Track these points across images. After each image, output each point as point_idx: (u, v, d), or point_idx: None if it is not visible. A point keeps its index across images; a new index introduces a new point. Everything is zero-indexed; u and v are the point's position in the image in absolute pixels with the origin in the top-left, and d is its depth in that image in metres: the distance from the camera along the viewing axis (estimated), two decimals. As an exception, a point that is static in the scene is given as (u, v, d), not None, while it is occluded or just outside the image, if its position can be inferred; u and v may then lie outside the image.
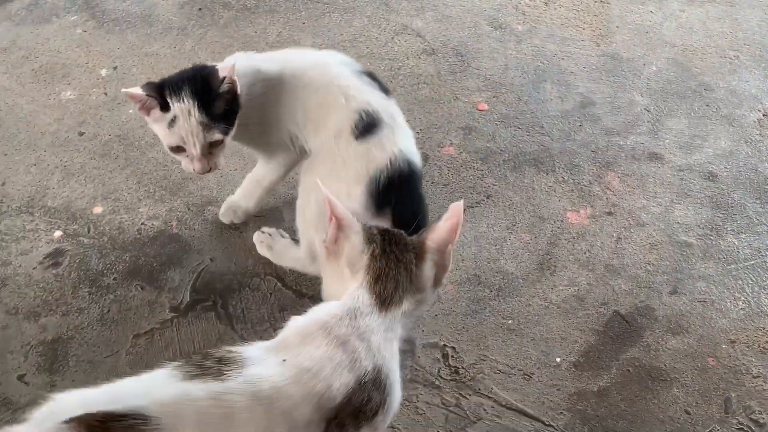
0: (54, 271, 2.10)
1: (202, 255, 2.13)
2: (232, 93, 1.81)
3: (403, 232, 1.50)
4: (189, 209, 2.24)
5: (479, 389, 1.87)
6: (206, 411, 1.23)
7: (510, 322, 2.00)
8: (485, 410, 1.84)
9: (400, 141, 1.87)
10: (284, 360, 1.31)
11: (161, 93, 1.79)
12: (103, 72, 2.60)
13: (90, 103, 2.51)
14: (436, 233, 1.46)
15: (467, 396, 1.86)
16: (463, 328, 1.98)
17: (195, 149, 1.82)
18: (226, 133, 1.83)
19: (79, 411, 1.19)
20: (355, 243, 1.44)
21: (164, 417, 1.20)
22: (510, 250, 2.14)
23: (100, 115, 2.47)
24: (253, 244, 2.14)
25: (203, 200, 2.25)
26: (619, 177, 2.30)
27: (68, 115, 2.47)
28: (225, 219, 2.20)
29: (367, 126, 1.85)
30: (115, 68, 2.61)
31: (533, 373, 1.90)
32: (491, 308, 2.02)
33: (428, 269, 1.46)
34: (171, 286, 2.06)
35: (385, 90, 1.94)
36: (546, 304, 2.03)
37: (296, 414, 1.27)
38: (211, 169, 1.88)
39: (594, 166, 2.33)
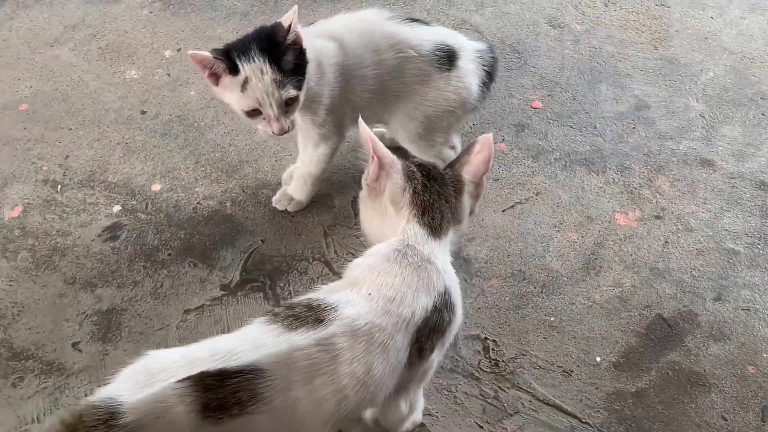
0: (111, 244, 2.17)
1: (254, 236, 2.19)
2: (299, 44, 1.82)
3: (437, 165, 1.57)
4: (243, 191, 2.29)
5: (518, 383, 1.90)
6: (314, 358, 1.32)
7: (552, 319, 2.02)
8: (522, 404, 1.87)
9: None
10: (370, 294, 1.40)
11: (229, 56, 1.80)
12: (167, 53, 2.67)
13: (153, 83, 2.58)
14: (471, 165, 1.54)
15: (506, 389, 1.89)
16: (506, 322, 2.01)
17: (272, 109, 1.84)
18: (299, 88, 1.84)
19: (182, 368, 1.27)
20: (396, 181, 1.50)
21: (276, 369, 1.29)
22: (556, 248, 2.16)
23: (162, 95, 2.54)
24: (305, 228, 2.19)
25: (258, 183, 2.31)
26: (669, 181, 2.30)
27: (132, 94, 2.54)
28: (279, 206, 2.26)
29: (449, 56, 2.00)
30: (179, 50, 2.68)
31: (572, 371, 1.93)
32: (534, 304, 2.04)
33: (466, 200, 1.55)
34: (222, 264, 2.13)
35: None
36: (589, 303, 2.05)
37: (391, 343, 1.37)
38: (288, 129, 1.89)
39: (645, 169, 2.34)
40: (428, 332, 1.42)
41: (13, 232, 2.19)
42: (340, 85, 1.96)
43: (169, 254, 2.15)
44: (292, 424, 1.34)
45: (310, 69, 1.87)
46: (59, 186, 2.30)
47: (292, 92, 1.83)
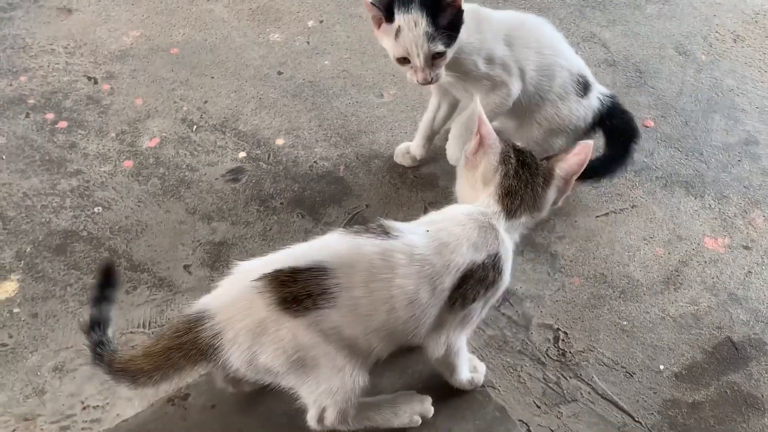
0: (232, 185, 2.38)
1: (360, 200, 2.36)
2: (458, 6, 1.94)
3: (534, 154, 1.71)
4: (357, 158, 2.47)
5: (580, 374, 2.01)
6: (375, 263, 1.52)
7: (625, 323, 2.12)
8: (581, 394, 1.97)
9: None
10: (427, 231, 1.59)
11: (389, 6, 1.94)
12: (310, 23, 2.87)
13: (293, 48, 2.78)
14: (566, 163, 1.66)
15: (568, 378, 2.00)
16: (580, 318, 2.12)
17: (419, 59, 1.96)
18: (448, 45, 1.95)
19: (261, 270, 1.52)
20: (491, 161, 1.66)
21: (340, 267, 1.50)
22: (641, 259, 2.25)
23: (299, 60, 2.74)
24: (407, 201, 2.35)
25: (371, 153, 2.48)
26: (764, 216, 2.36)
27: (272, 55, 2.75)
28: (397, 159, 2.45)
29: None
30: (321, 22, 2.88)
31: (635, 373, 2.02)
32: (610, 306, 2.14)
33: (551, 193, 1.68)
34: (327, 220, 2.30)
35: None
36: (663, 315, 2.13)
37: (438, 281, 1.55)
38: (432, 80, 2.01)
39: (743, 200, 2.40)
40: (473, 283, 1.59)
41: (148, 160, 2.43)
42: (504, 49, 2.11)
43: (281, 203, 2.34)
44: (356, 326, 1.54)
45: (467, 29, 2.00)
46: (195, 126, 2.53)
47: (440, 48, 1.94)
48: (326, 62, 2.74)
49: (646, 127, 2.58)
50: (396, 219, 2.23)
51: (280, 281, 1.50)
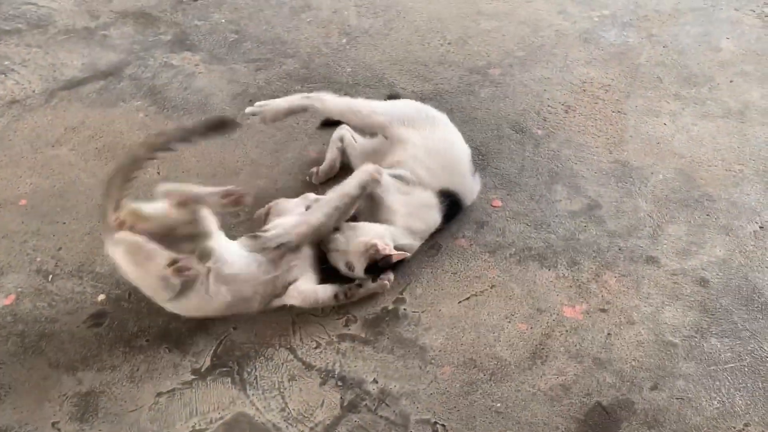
0: (95, 330, 2.35)
1: (227, 324, 2.36)
2: None
3: None
4: (220, 282, 2.48)
5: (462, 465, 2.04)
6: None
7: (499, 405, 2.16)
8: (465, 484, 2.01)
9: None
10: None
11: None
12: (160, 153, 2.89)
13: (143, 180, 2.77)
14: None
15: (451, 470, 2.03)
16: (455, 407, 2.16)
17: None
18: None
19: None
20: None
21: None
22: (506, 338, 2.32)
23: (150, 192, 2.75)
24: (274, 316, 2.36)
25: (233, 275, 2.49)
26: (616, 277, 2.47)
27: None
28: None
29: None
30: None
31: (514, 454, 2.07)
32: (483, 391, 2.19)
33: None
34: (195, 350, 2.29)
35: None
36: (534, 390, 2.19)
37: None
38: None
39: (594, 264, 2.51)
40: None
41: (5, 319, 2.38)
42: None
43: (147, 340, 2.32)
44: None
45: None
46: (50, 276, 2.49)
47: None
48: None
49: (495, 207, 2.68)
50: (264, 336, 2.33)
51: None
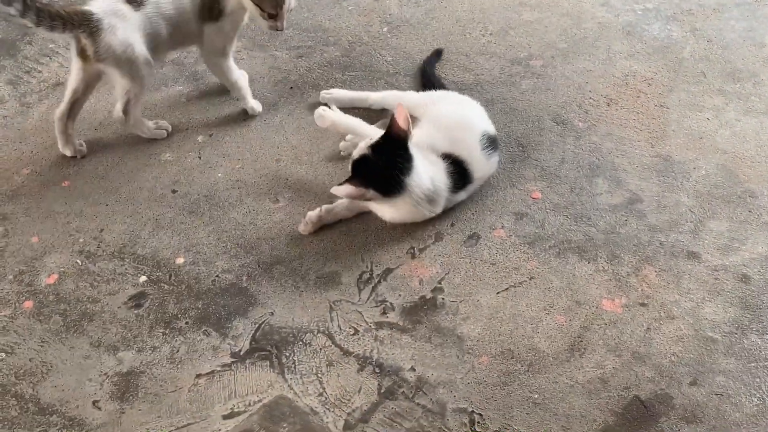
0: (135, 312, 2.38)
1: (265, 308, 2.38)
2: None
3: None
4: (259, 266, 2.50)
5: (499, 454, 2.05)
6: None
7: (536, 396, 2.16)
8: (502, 474, 2.01)
9: None
10: None
11: None
12: (200, 138, 2.91)
13: (185, 164, 2.82)
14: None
15: (487, 459, 2.04)
16: (492, 397, 2.16)
17: None
18: None
19: None
20: None
21: None
22: (544, 330, 2.31)
23: (192, 177, 2.78)
24: (312, 302, 2.38)
25: (272, 259, 2.51)
26: (656, 271, 2.45)
27: (165, 174, 2.78)
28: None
29: None
30: (211, 135, 2.92)
31: (551, 446, 2.07)
32: (520, 381, 2.19)
33: None
34: (234, 333, 2.32)
35: None
36: (572, 383, 2.19)
37: None
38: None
39: (634, 258, 2.49)
40: None
41: (48, 298, 2.42)
42: None
43: (187, 322, 2.35)
44: None
45: None
46: (93, 257, 2.53)
47: None
48: (219, 174, 2.78)
49: (534, 198, 2.67)
50: (302, 322, 2.34)
51: None
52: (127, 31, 2.60)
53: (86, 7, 2.62)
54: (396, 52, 3.27)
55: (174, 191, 2.74)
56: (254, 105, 2.98)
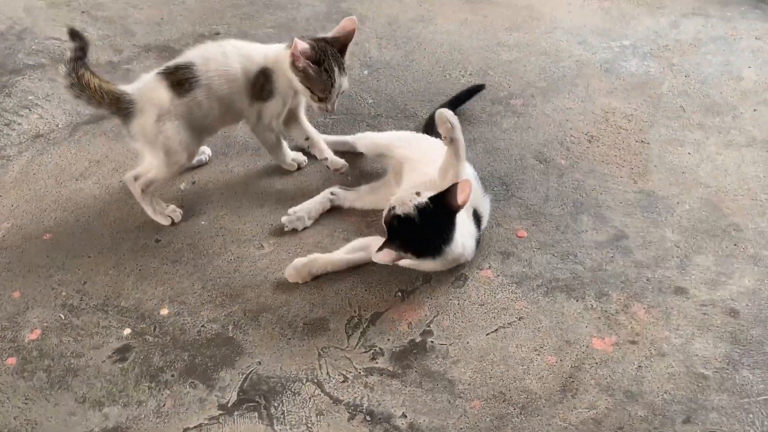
0: (120, 365, 2.34)
1: (253, 357, 2.35)
2: None
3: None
4: (245, 314, 2.47)
5: (494, 501, 2.01)
6: None
7: (529, 440, 2.14)
8: None
9: None
10: None
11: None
12: (183, 186, 2.90)
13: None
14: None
15: (482, 506, 2.00)
16: (485, 442, 2.14)
17: None
18: None
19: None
20: None
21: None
22: (536, 371, 2.29)
23: (176, 225, 2.75)
24: (299, 350, 2.35)
25: (259, 307, 2.48)
26: (645, 308, 2.44)
27: (148, 224, 2.76)
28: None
29: None
30: (193, 183, 2.91)
31: (546, 490, 2.04)
32: (513, 425, 2.16)
33: None
34: (221, 385, 2.28)
35: None
36: (565, 425, 2.16)
37: None
38: None
39: (622, 295, 2.48)
40: None
41: (31, 353, 2.38)
42: None
43: (173, 375, 2.31)
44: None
45: None
46: (76, 310, 2.49)
47: None
48: (203, 222, 2.76)
49: (520, 237, 2.67)
50: (290, 371, 2.31)
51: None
52: (163, 117, 2.58)
53: (122, 88, 2.60)
54: (377, 94, 3.28)
55: (157, 240, 2.71)
56: (291, 161, 2.95)
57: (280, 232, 2.71)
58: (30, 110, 3.27)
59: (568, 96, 3.24)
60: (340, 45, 2.62)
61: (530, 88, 3.29)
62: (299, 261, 2.54)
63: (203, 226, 2.75)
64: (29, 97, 3.33)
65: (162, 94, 2.58)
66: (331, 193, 2.79)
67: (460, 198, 2.35)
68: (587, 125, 3.10)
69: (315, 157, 2.89)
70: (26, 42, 3.70)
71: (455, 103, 3.12)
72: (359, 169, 2.94)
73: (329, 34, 2.65)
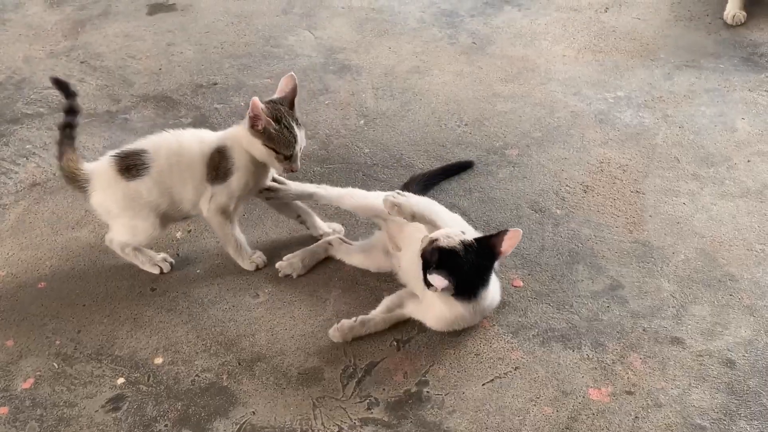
0: (113, 415, 2.32)
1: (247, 407, 2.33)
2: None
3: None
4: (240, 364, 2.45)
5: None
6: None
7: (526, 492, 2.12)
8: None
9: None
10: None
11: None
12: (179, 234, 2.91)
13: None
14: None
15: None
16: (481, 494, 2.11)
17: None
18: None
19: None
20: None
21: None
22: (532, 422, 2.27)
23: (171, 273, 2.75)
24: (294, 400, 2.34)
25: (253, 356, 2.47)
26: (641, 358, 2.43)
27: (143, 272, 2.75)
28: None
29: None
30: (189, 232, 2.91)
31: None
32: (509, 477, 2.15)
33: None
34: (215, 435, 2.27)
35: None
36: (562, 477, 2.15)
37: None
38: None
39: (618, 346, 2.47)
40: None
41: (24, 403, 2.36)
42: None
43: (166, 425, 2.29)
44: None
45: None
46: (69, 359, 2.48)
47: None
48: (198, 271, 2.76)
49: (516, 287, 2.67)
50: (284, 421, 2.29)
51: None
52: (116, 196, 2.62)
53: (80, 165, 2.67)
54: (373, 144, 3.30)
55: (152, 289, 2.71)
56: (249, 264, 2.80)
57: (275, 280, 2.71)
58: (27, 159, 3.29)
59: (563, 146, 3.27)
60: (288, 103, 2.62)
61: (525, 138, 3.32)
62: (345, 324, 2.51)
63: (198, 275, 2.75)
64: (27, 146, 3.36)
65: (111, 174, 2.62)
66: (329, 243, 2.79)
67: (506, 245, 2.35)
68: (582, 175, 3.12)
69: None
70: (25, 91, 3.73)
71: (441, 175, 3.12)
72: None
73: (275, 96, 2.64)
